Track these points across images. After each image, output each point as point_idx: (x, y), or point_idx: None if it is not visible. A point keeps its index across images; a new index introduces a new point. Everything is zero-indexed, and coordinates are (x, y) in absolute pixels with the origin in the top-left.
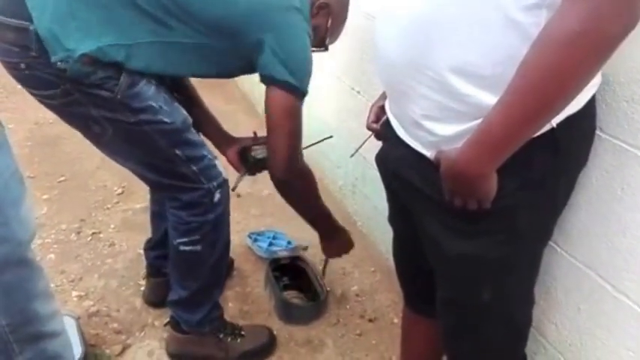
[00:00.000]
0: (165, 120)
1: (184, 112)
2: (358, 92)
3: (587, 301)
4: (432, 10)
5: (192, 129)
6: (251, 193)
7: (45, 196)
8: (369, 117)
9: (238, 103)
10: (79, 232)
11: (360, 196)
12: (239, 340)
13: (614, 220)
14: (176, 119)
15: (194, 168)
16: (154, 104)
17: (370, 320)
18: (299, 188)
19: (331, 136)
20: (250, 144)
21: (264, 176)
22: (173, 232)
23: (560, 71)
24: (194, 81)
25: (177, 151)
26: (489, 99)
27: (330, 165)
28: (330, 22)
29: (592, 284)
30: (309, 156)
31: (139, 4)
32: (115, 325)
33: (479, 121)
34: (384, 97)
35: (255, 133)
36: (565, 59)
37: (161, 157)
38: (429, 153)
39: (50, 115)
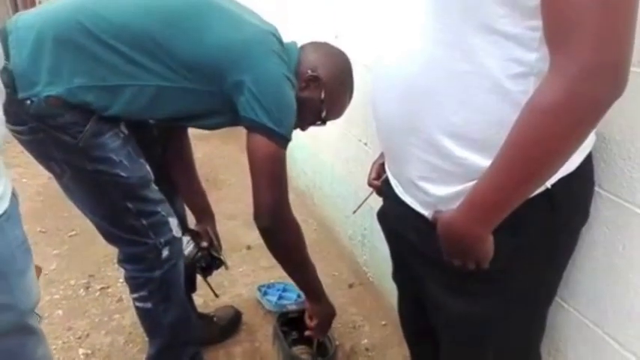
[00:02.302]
0: (122, 174)
1: (147, 169)
2: (365, 144)
3: (595, 359)
4: (425, 77)
5: (151, 185)
6: (261, 244)
7: (55, 252)
8: (370, 174)
9: None
10: (87, 288)
11: (370, 246)
12: None
13: (618, 277)
14: (133, 175)
15: (144, 222)
16: (114, 157)
17: None
18: (283, 239)
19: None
20: (203, 233)
21: None
22: (128, 287)
23: (545, 140)
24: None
25: (129, 204)
26: (482, 161)
27: (339, 215)
28: (323, 95)
29: (599, 342)
30: (319, 206)
31: (117, 47)
32: None
33: (473, 182)
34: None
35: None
36: (550, 129)
37: (112, 207)
38: (426, 212)
39: None
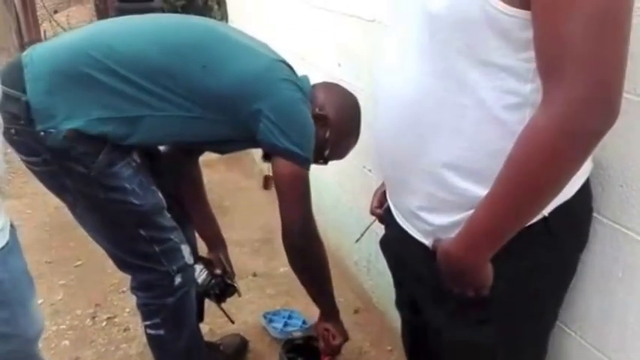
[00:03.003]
0: (134, 202)
1: (159, 196)
2: (369, 170)
3: None
4: (423, 109)
5: (164, 213)
6: (267, 271)
7: (61, 282)
8: (372, 202)
9: (256, 178)
10: (94, 317)
11: (375, 272)
12: None
13: (618, 303)
14: (146, 202)
15: (156, 248)
16: (127, 185)
17: None
18: (312, 253)
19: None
20: (216, 261)
21: (281, 253)
22: (140, 314)
23: (539, 171)
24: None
25: (142, 232)
26: (481, 191)
27: (344, 241)
28: (328, 134)
29: None
30: (324, 232)
31: (132, 79)
32: None
33: (472, 211)
34: None
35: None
36: (543, 160)
37: (124, 234)
38: (427, 241)
39: None
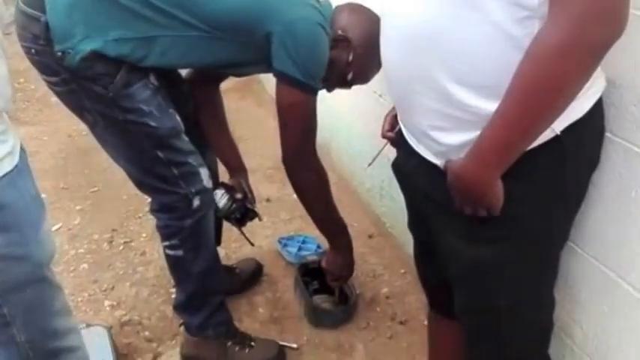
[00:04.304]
0: (152, 124)
1: (177, 119)
2: (380, 96)
3: (610, 302)
4: (431, 26)
5: (182, 136)
6: (280, 197)
7: (78, 207)
8: (383, 126)
9: (268, 106)
10: (111, 242)
11: (388, 197)
12: (247, 351)
13: (630, 222)
14: (163, 125)
15: (175, 171)
16: (144, 107)
17: (401, 323)
18: (307, 179)
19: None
20: (237, 185)
21: None
22: (159, 235)
23: (549, 81)
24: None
25: (160, 154)
26: (491, 106)
27: (357, 168)
28: (351, 57)
29: (613, 286)
30: (337, 159)
31: (151, 1)
32: (147, 333)
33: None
34: None
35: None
36: (553, 69)
37: (143, 156)
38: (439, 162)
39: (83, 127)
